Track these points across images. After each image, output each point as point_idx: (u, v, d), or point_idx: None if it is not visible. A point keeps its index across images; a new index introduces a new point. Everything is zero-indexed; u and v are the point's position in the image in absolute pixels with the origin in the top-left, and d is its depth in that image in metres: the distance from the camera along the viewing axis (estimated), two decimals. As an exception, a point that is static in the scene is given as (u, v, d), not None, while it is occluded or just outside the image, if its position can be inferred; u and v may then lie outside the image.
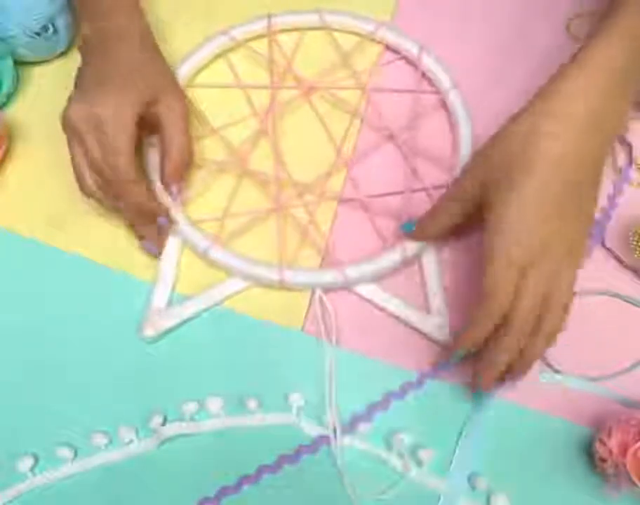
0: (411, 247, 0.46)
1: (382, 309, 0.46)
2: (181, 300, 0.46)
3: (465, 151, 0.50)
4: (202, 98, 0.53)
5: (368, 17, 0.54)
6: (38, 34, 0.51)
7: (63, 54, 0.54)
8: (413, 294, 0.47)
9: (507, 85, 0.53)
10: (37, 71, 0.54)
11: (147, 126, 0.47)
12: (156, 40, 0.50)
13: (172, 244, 0.48)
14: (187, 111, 0.48)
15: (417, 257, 0.47)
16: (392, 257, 0.46)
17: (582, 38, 0.44)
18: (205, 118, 0.52)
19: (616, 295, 0.47)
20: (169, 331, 0.46)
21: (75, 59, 0.54)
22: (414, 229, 0.46)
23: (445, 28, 0.56)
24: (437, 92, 0.52)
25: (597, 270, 0.47)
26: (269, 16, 0.54)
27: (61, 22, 0.52)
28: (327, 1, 0.55)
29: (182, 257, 0.48)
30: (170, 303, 0.46)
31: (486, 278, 0.38)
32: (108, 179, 0.44)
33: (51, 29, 0.51)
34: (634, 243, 0.46)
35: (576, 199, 0.39)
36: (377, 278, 0.47)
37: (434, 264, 0.47)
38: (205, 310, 0.46)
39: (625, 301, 0.47)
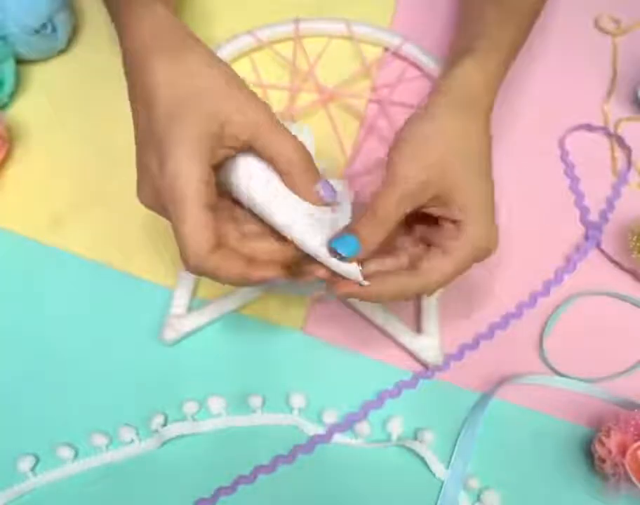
0: None
1: (370, 321, 0.46)
2: (201, 304, 0.46)
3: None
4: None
5: (394, 31, 0.54)
6: (37, 32, 0.50)
7: (63, 52, 0.54)
8: (406, 309, 0.46)
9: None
10: (37, 70, 0.54)
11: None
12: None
13: None
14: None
15: None
16: None
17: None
18: None
19: (616, 295, 0.47)
20: (188, 335, 0.46)
21: (75, 57, 0.54)
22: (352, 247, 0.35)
23: (445, 29, 0.55)
24: None
25: (597, 270, 0.48)
26: (297, 20, 0.54)
27: (60, 20, 0.51)
28: (328, 1, 0.55)
29: None
30: (190, 307, 0.46)
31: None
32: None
33: (50, 28, 0.51)
34: (633, 243, 0.46)
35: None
36: None
37: None
38: (226, 314, 0.46)
39: (625, 301, 0.47)
